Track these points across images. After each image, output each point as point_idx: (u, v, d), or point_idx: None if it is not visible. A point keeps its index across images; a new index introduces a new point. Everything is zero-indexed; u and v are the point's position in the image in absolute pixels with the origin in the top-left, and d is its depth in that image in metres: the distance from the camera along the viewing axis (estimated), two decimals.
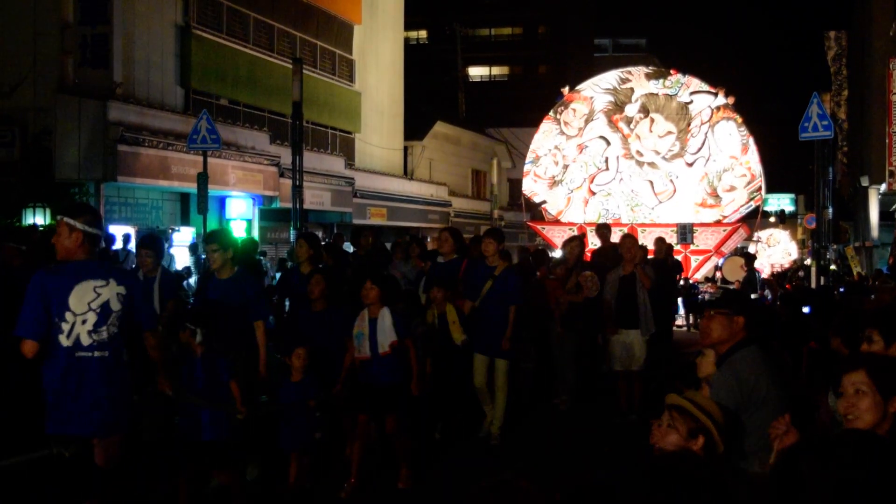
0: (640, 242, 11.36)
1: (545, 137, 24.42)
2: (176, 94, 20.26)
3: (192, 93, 20.76)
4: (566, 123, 24.22)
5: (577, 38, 65.91)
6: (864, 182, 34.52)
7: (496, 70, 67.41)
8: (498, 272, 8.87)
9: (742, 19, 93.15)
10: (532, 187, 24.54)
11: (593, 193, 23.84)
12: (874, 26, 35.02)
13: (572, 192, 24.00)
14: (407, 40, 39.42)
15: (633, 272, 9.93)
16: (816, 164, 15.50)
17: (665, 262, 13.44)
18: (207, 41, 21.27)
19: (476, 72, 64.73)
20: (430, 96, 42.08)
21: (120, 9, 17.65)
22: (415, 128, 34.38)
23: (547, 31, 65.95)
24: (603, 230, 13.79)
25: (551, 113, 24.45)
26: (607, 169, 23.72)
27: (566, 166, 24.06)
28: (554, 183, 24.17)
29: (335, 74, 27.51)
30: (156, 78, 19.55)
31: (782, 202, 55.12)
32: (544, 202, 24.40)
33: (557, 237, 22.15)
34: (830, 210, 18.85)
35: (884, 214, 32.31)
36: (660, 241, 14.17)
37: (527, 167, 24.86)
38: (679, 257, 21.24)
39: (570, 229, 21.54)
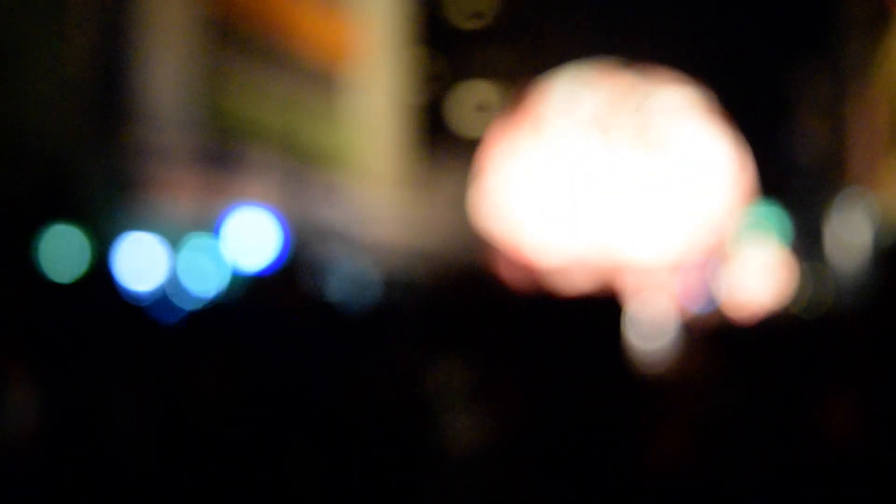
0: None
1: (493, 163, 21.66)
2: (188, 142, 20.32)
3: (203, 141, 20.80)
4: (516, 146, 20.06)
5: None
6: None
7: None
8: None
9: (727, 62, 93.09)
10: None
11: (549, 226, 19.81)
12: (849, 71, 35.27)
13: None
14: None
15: None
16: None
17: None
18: (220, 91, 21.70)
19: None
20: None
21: (135, 59, 17.92)
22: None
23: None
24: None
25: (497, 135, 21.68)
26: (564, 197, 19.73)
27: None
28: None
29: (330, 123, 27.74)
30: (170, 126, 19.64)
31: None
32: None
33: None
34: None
35: None
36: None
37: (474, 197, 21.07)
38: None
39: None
